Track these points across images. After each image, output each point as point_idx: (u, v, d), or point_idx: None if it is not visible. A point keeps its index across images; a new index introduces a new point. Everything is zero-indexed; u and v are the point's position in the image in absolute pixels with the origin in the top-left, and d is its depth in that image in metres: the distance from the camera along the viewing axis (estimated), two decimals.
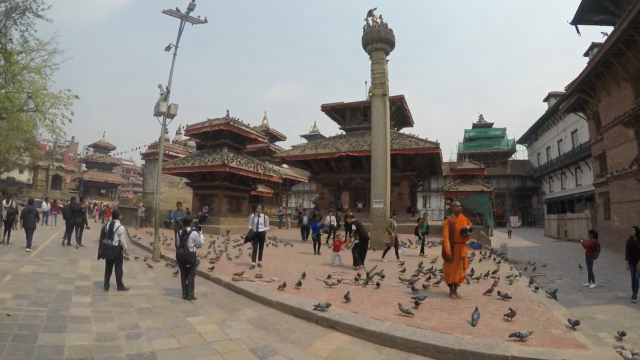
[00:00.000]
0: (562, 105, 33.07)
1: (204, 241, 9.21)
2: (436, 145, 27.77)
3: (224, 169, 22.69)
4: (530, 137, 57.63)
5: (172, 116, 14.42)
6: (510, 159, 60.23)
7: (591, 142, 27.62)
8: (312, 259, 14.18)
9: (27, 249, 13.19)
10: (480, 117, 64.33)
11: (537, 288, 8.98)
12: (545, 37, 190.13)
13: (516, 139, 60.06)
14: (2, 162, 44.00)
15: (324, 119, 36.49)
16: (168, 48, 14.67)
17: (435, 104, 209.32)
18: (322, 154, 30.99)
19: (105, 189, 64.56)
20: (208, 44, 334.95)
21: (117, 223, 8.70)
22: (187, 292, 7.96)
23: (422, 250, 15.77)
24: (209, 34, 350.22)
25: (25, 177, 59.67)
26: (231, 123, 24.43)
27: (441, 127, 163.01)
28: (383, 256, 14.26)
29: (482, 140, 60.49)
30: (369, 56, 19.08)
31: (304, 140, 59.06)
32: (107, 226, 8.69)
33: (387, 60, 19.01)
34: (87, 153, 69.50)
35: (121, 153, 56.16)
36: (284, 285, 8.55)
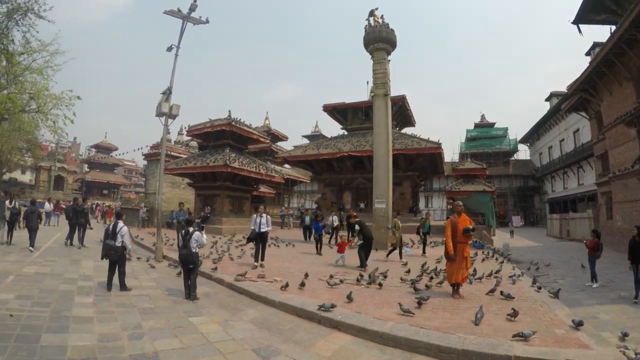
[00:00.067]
0: (564, 104, 33.07)
1: (206, 241, 9.20)
2: (438, 145, 27.71)
3: (226, 170, 22.69)
4: (532, 136, 57.61)
5: (174, 117, 14.43)
6: (512, 158, 60.26)
7: (593, 142, 27.60)
8: (314, 259, 14.18)
9: (30, 248, 13.29)
10: (482, 116, 64.33)
11: (539, 288, 8.97)
12: (547, 36, 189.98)
13: (518, 139, 60.15)
14: (4, 163, 44.11)
15: (326, 119, 36.64)
16: (170, 49, 14.70)
17: (437, 104, 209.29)
18: (324, 154, 30.97)
19: (107, 190, 64.66)
20: (209, 44, 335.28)
21: (121, 224, 8.70)
22: (190, 292, 7.96)
23: (424, 250, 15.77)
24: (210, 35, 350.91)
25: (27, 177, 59.82)
26: (233, 123, 24.44)
27: (443, 127, 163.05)
28: (387, 255, 14.27)
29: (484, 140, 60.43)
30: (370, 56, 19.05)
31: (306, 141, 59.13)
32: (111, 227, 8.69)
33: (389, 60, 18.99)
34: (89, 154, 69.53)
35: (123, 154, 56.24)
36: (287, 285, 8.55)
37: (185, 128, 31.81)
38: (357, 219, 13.26)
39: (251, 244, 12.93)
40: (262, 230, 11.87)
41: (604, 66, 20.01)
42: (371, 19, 19.19)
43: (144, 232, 23.60)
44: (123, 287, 8.39)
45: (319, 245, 15.78)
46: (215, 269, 10.70)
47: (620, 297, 9.25)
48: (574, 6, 24.49)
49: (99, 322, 6.15)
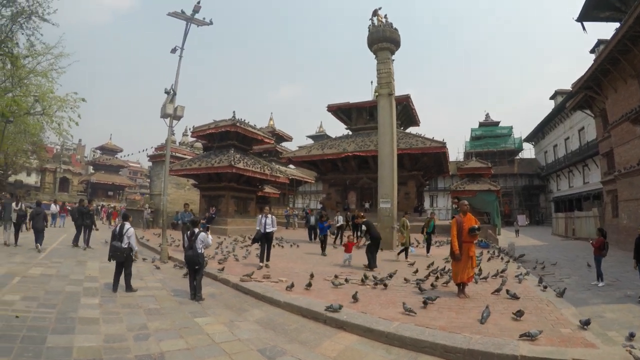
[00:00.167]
0: (568, 102, 32.89)
1: (212, 242, 9.22)
2: (443, 145, 27.68)
3: (231, 170, 22.74)
4: (537, 135, 57.34)
5: (178, 118, 14.45)
6: (517, 157, 60.05)
7: (598, 140, 27.43)
8: (319, 259, 14.17)
9: (38, 246, 13.55)
10: (487, 115, 64.17)
11: (545, 287, 8.94)
12: (551, 34, 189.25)
13: (523, 137, 59.85)
14: (10, 165, 44.35)
15: (330, 119, 36.62)
16: (174, 50, 14.72)
17: (441, 103, 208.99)
18: (329, 154, 30.98)
19: (112, 191, 64.89)
20: (213, 46, 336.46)
21: (127, 225, 8.72)
22: (195, 293, 7.98)
23: (427, 250, 15.75)
24: (213, 36, 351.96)
25: (32, 179, 60.06)
26: (237, 124, 24.49)
27: (447, 126, 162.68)
28: (398, 254, 14.38)
29: (489, 138, 60.22)
30: (374, 56, 19.07)
31: (310, 141, 59.09)
32: (117, 228, 8.72)
33: (393, 60, 18.99)
34: (94, 155, 69.87)
35: (128, 155, 56.71)
36: (292, 285, 8.56)
37: (189, 129, 31.87)
38: (365, 219, 13.23)
39: (256, 245, 12.95)
40: (267, 230, 11.89)
41: (609, 63, 19.89)
42: (375, 18, 19.20)
43: (149, 233, 23.65)
44: (129, 288, 8.42)
45: (324, 246, 15.78)
46: (223, 269, 10.71)
47: (627, 296, 9.19)
48: (578, 3, 24.33)
49: (105, 323, 6.17)
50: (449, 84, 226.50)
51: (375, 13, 19.35)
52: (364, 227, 12.70)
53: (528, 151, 61.74)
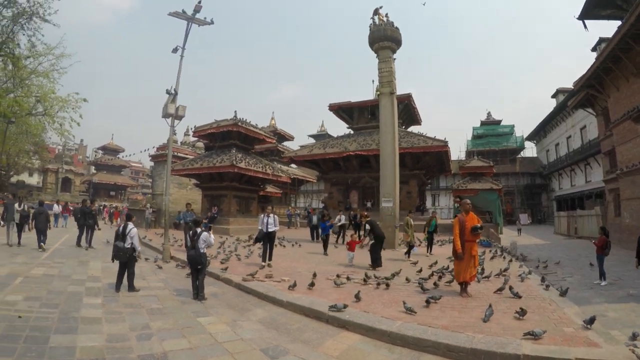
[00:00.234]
0: (570, 101, 32.82)
1: (214, 241, 9.23)
2: (444, 143, 27.66)
3: (233, 170, 22.73)
4: (539, 133, 57.28)
5: (180, 118, 14.45)
6: (519, 156, 60.02)
7: (600, 138, 27.39)
8: (321, 258, 14.16)
9: (42, 245, 13.69)
10: (489, 114, 64.04)
11: (548, 286, 8.93)
12: (552, 33, 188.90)
13: (525, 136, 59.79)
14: (12, 166, 44.48)
15: (332, 118, 36.65)
16: (175, 50, 14.72)
17: (443, 102, 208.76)
18: (330, 153, 30.99)
19: (114, 191, 65.02)
20: (214, 45, 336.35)
21: (130, 225, 8.73)
22: (198, 292, 7.98)
23: (428, 249, 15.74)
24: (214, 36, 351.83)
25: (35, 180, 60.20)
26: (239, 124, 24.47)
27: (449, 124, 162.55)
28: (406, 254, 14.33)
29: (491, 137, 60.11)
30: (375, 55, 19.03)
31: (312, 140, 59.08)
32: (121, 228, 8.74)
33: (394, 59, 18.96)
34: (95, 155, 70.00)
35: (130, 155, 56.78)
36: (294, 285, 8.56)
37: (191, 129, 31.88)
38: (368, 218, 13.18)
39: (258, 244, 12.96)
40: (269, 230, 11.90)
41: (611, 62, 19.84)
42: (376, 17, 19.16)
43: (151, 232, 23.68)
44: (131, 287, 8.44)
45: (326, 245, 15.77)
46: (226, 269, 10.72)
47: (629, 295, 9.17)
48: (579, 1, 24.30)
49: (108, 322, 6.18)
50: (450, 82, 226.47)
51: (376, 12, 19.31)
52: (367, 226, 12.64)
53: (530, 150, 61.85)
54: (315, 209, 29.46)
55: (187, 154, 34.40)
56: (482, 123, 63.10)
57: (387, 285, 8.88)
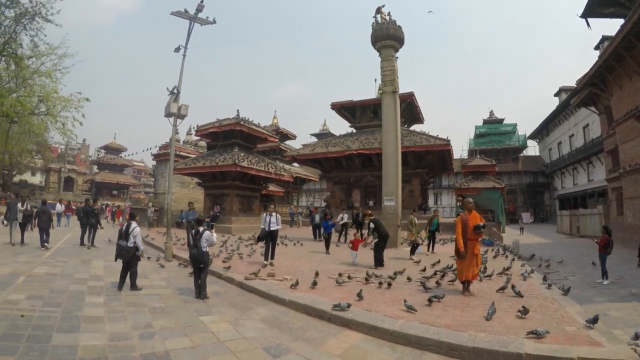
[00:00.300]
0: (573, 99, 32.77)
1: (216, 240, 9.23)
2: (447, 142, 27.60)
3: (235, 169, 22.73)
4: (542, 132, 57.20)
5: (182, 117, 14.47)
6: (522, 154, 59.98)
7: (603, 137, 27.36)
8: (323, 257, 14.17)
9: (46, 244, 13.76)
10: (491, 112, 63.96)
11: (550, 285, 8.92)
12: (555, 31, 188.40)
13: (527, 135, 59.71)
14: (14, 165, 44.58)
15: (334, 117, 36.76)
16: (177, 49, 14.72)
17: (445, 101, 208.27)
18: (333, 152, 30.98)
19: (116, 190, 65.02)
20: (217, 44, 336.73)
21: (133, 224, 8.75)
22: (200, 291, 7.99)
23: (429, 247, 15.72)
24: (217, 34, 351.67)
25: (37, 179, 60.27)
26: (241, 123, 24.48)
27: (451, 123, 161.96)
28: (411, 253, 14.28)
29: (493, 136, 60.04)
30: (378, 53, 19.00)
31: (314, 139, 59.06)
32: (124, 227, 8.75)
33: (397, 57, 18.93)
34: (98, 155, 70.00)
35: (132, 154, 56.73)
36: (297, 283, 8.57)
37: (193, 128, 31.92)
38: (372, 217, 13.13)
39: (261, 243, 12.96)
40: (272, 228, 11.88)
41: (614, 60, 19.80)
42: (378, 16, 19.13)
43: (153, 231, 23.70)
44: (134, 286, 8.45)
45: (328, 244, 15.77)
46: (229, 268, 10.73)
47: (631, 294, 9.16)
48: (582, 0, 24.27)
49: (110, 321, 6.19)
50: (453, 81, 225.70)
51: (378, 10, 19.28)
52: (371, 225, 12.56)
53: (532, 148, 61.78)
54: (318, 207, 29.43)
55: (189, 153, 34.43)
56: (485, 122, 63.03)
57: (390, 284, 8.88)
